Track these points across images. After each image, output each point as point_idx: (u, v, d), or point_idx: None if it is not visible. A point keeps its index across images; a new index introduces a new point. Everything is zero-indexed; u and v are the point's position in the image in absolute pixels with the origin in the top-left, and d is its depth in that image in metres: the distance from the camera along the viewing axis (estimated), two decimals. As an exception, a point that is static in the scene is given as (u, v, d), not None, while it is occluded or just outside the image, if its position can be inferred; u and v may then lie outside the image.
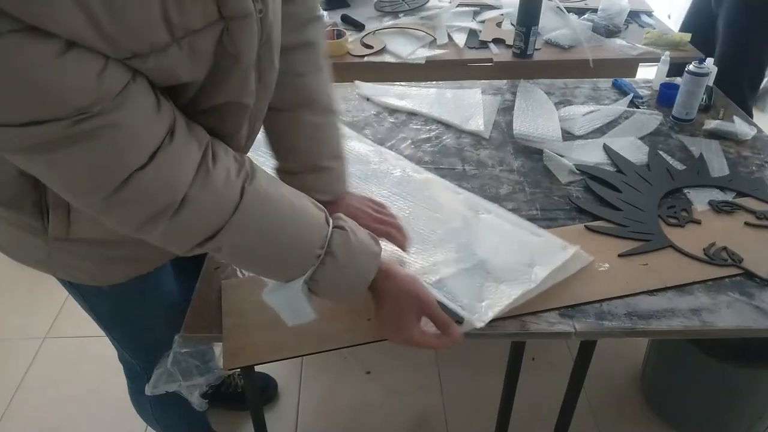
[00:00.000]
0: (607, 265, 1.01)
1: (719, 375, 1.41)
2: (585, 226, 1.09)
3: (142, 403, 1.23)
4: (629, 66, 1.82)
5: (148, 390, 0.94)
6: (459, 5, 2.02)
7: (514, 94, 1.56)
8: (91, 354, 1.78)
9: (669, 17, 3.68)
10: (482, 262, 0.98)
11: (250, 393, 1.04)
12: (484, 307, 0.89)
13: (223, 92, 0.65)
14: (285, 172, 0.89)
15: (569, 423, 1.23)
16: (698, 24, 1.95)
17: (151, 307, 1.00)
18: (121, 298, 0.94)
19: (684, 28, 2.01)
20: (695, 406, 1.52)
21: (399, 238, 0.92)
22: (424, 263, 0.98)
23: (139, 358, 1.10)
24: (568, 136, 1.37)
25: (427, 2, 2.00)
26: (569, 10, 1.95)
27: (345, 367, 1.75)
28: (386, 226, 0.92)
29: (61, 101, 0.49)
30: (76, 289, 0.93)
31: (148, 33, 0.52)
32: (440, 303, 0.85)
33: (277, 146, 0.89)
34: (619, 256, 1.03)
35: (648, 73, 1.81)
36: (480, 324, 0.86)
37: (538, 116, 1.42)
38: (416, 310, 0.79)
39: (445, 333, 0.80)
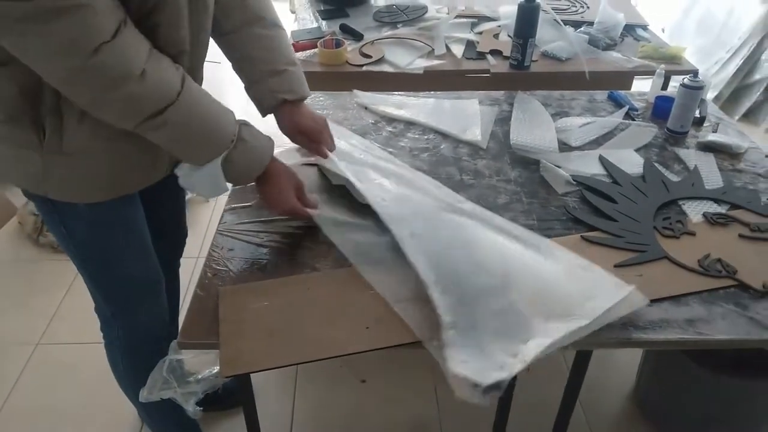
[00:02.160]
0: (603, 275, 1.01)
1: (712, 385, 1.41)
2: (581, 236, 1.10)
3: (115, 363, 1.23)
4: (625, 79, 1.84)
5: (143, 396, 0.93)
6: (457, 16, 2.03)
7: (511, 104, 1.57)
8: (86, 361, 1.77)
9: (663, 31, 3.73)
10: (530, 295, 0.91)
11: (246, 401, 1.03)
12: (528, 347, 0.82)
13: None
14: (250, 84, 1.08)
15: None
16: None
17: (123, 234, 1.06)
18: (98, 221, 1.01)
19: None
20: (689, 417, 1.52)
21: (327, 140, 1.16)
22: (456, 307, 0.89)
23: (110, 300, 1.12)
24: (564, 147, 1.39)
25: (425, 13, 2.02)
26: (566, 22, 1.97)
27: (340, 374, 1.74)
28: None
29: None
30: (57, 212, 0.98)
31: None
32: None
33: (239, 63, 1.08)
34: (615, 266, 1.03)
35: (644, 86, 1.83)
36: (521, 366, 0.80)
37: (536, 127, 1.43)
38: (294, 186, 1.03)
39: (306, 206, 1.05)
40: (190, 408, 0.94)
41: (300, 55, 1.79)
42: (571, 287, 0.94)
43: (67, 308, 1.96)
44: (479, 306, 0.90)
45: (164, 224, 1.24)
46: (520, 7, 1.69)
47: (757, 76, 3.18)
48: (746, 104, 3.18)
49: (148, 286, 1.14)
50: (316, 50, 1.79)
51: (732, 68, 3.19)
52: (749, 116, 3.20)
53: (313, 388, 1.71)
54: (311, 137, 1.14)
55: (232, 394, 1.56)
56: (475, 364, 0.80)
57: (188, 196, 2.27)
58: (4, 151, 0.91)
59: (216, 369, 0.97)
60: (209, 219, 2.31)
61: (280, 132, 1.14)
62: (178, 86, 0.84)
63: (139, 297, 1.13)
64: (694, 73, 1.39)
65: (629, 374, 1.74)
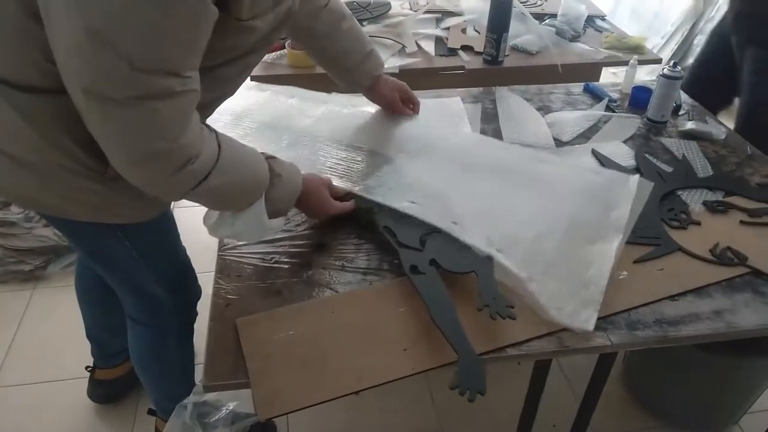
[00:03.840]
0: (625, 272, 1.01)
1: (701, 364, 1.45)
2: (594, 234, 1.09)
3: (164, 349, 1.25)
4: (594, 70, 1.87)
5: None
6: (424, 12, 2.00)
7: (492, 101, 1.55)
8: (49, 402, 1.61)
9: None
10: (567, 227, 1.06)
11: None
12: (592, 274, 0.97)
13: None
14: (346, 72, 1.23)
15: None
16: (712, 68, 1.76)
17: (173, 233, 1.14)
18: (155, 230, 1.05)
19: (696, 70, 1.82)
20: (678, 395, 1.57)
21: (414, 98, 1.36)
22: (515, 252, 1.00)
23: (165, 286, 1.14)
24: (556, 142, 1.38)
25: (388, 10, 1.97)
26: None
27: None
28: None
29: (195, 57, 0.71)
30: (121, 230, 0.99)
31: None
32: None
33: (334, 58, 1.21)
34: (635, 262, 1.04)
35: (608, 76, 1.87)
36: (591, 325, 0.90)
37: (527, 123, 1.42)
38: (327, 191, 1.06)
39: (343, 201, 1.09)
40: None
41: (267, 56, 1.70)
42: (595, 203, 1.11)
43: (20, 345, 1.78)
44: (540, 254, 1.00)
45: None
46: (494, 2, 1.67)
47: (690, 60, 3.35)
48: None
49: (189, 262, 1.21)
50: (284, 51, 1.71)
51: (668, 53, 3.34)
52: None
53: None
54: (405, 99, 1.33)
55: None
56: (568, 308, 0.92)
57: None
58: (69, 181, 0.85)
59: (234, 404, 0.90)
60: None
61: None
62: (217, 148, 0.82)
63: (189, 271, 1.21)
64: (674, 63, 1.42)
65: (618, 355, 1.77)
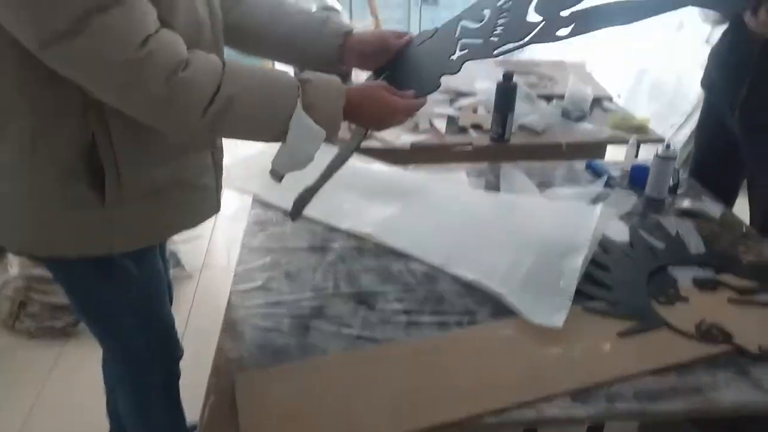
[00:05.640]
0: (608, 345, 1.05)
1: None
2: (583, 308, 1.13)
3: (153, 406, 1.26)
4: (599, 148, 1.95)
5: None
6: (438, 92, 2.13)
7: (496, 176, 1.64)
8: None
9: (619, 96, 3.98)
10: (540, 248, 1.25)
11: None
12: (563, 286, 1.14)
13: None
14: (304, 51, 1.11)
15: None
16: (713, 153, 1.75)
17: (163, 290, 1.18)
18: (151, 263, 1.10)
19: (698, 158, 1.82)
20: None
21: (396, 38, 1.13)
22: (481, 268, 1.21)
23: (155, 339, 1.18)
24: (553, 217, 1.45)
25: (405, 89, 2.11)
26: (537, 96, 2.09)
27: None
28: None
29: None
30: (133, 259, 1.03)
31: None
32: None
33: (280, 41, 1.11)
34: (618, 335, 1.07)
35: (615, 154, 1.94)
36: (561, 323, 1.07)
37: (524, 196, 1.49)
38: (385, 91, 0.97)
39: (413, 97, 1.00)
40: None
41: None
42: (564, 226, 1.32)
43: (47, 401, 1.86)
44: (516, 271, 1.20)
45: None
46: (499, 86, 1.80)
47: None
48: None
49: (173, 322, 1.23)
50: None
51: (687, 131, 3.40)
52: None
53: None
54: (388, 44, 1.11)
55: None
56: (541, 311, 1.10)
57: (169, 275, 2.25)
58: (68, 217, 0.92)
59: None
60: (192, 298, 2.27)
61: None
62: (219, 61, 0.84)
63: (173, 329, 1.22)
64: (667, 145, 1.49)
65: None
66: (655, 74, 3.70)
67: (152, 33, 0.77)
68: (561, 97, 2.13)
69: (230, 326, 1.09)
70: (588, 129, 1.95)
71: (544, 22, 0.96)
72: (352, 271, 1.23)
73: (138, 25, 0.76)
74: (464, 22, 1.07)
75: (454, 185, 1.56)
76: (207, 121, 0.82)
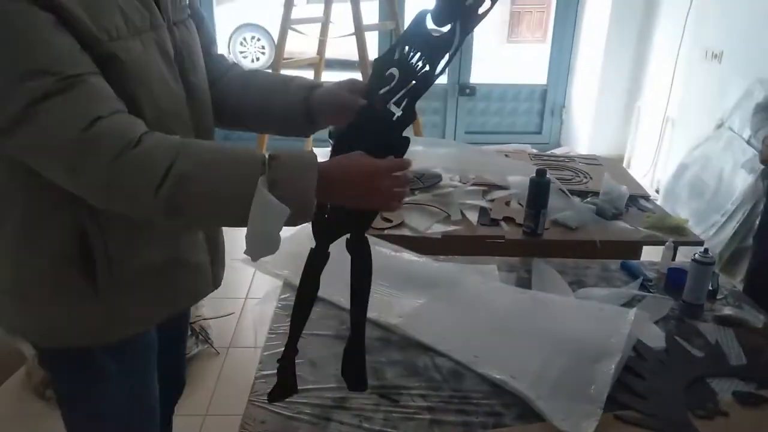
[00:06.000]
0: (642, 460, 1.00)
1: None
2: (614, 415, 1.09)
3: None
4: (634, 248, 1.93)
5: None
6: (472, 184, 2.18)
7: (528, 272, 1.63)
8: None
9: (657, 192, 3.96)
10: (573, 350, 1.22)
11: None
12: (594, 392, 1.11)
13: None
14: (282, 113, 1.08)
15: None
16: None
17: (149, 368, 1.11)
18: (148, 347, 1.08)
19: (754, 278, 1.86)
20: None
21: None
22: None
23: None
24: (585, 318, 1.42)
25: (439, 181, 2.16)
26: (572, 192, 2.10)
27: None
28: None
29: (52, 61, 0.76)
30: (140, 342, 1.02)
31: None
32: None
33: (255, 102, 1.10)
34: (653, 451, 1.02)
35: (651, 253, 1.91)
36: (599, 411, 1.07)
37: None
38: (364, 156, 0.88)
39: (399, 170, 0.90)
40: None
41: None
42: (598, 330, 1.28)
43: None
44: (546, 374, 1.17)
45: (164, 369, 1.21)
46: (532, 181, 1.82)
47: (750, 240, 3.31)
48: (745, 266, 3.27)
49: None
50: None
51: (729, 231, 3.33)
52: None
53: None
54: (341, 99, 1.02)
55: None
56: (570, 418, 1.06)
57: (195, 350, 2.26)
58: (66, 314, 0.93)
59: None
60: (218, 375, 2.27)
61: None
62: (176, 140, 0.82)
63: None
64: (705, 249, 1.47)
65: None
66: (696, 170, 3.69)
67: (103, 115, 0.78)
68: (596, 193, 2.13)
69: (253, 412, 1.08)
70: (623, 228, 1.94)
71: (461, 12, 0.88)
72: (376, 363, 1.22)
73: (85, 109, 0.77)
74: (382, 92, 0.96)
75: (485, 279, 1.55)
76: (161, 202, 0.79)
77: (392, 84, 0.94)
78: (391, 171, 0.89)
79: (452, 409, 1.10)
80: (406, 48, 0.93)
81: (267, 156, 0.83)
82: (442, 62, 0.89)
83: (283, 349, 1.07)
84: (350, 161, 0.88)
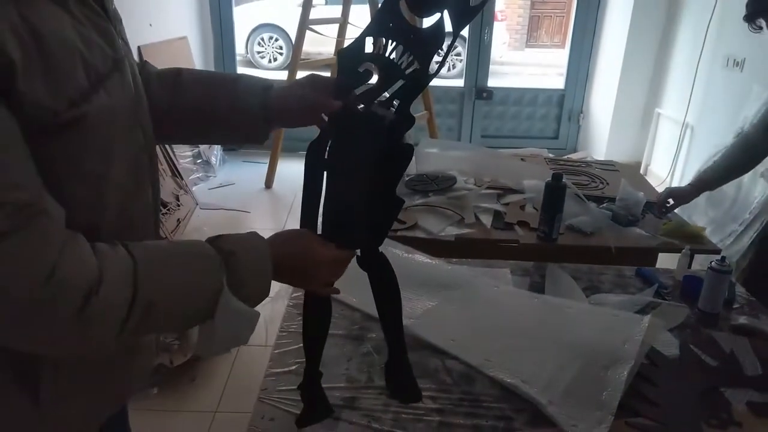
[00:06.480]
0: (653, 469, 0.98)
1: None
2: (626, 422, 1.08)
3: None
4: (649, 255, 1.91)
5: None
6: (487, 188, 2.17)
7: (541, 276, 1.62)
8: None
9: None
10: (586, 357, 1.21)
11: None
12: (606, 398, 1.11)
13: None
14: (225, 117, 0.94)
15: None
16: None
17: None
18: None
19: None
20: None
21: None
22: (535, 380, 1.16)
23: None
24: (598, 324, 1.41)
25: (454, 184, 2.16)
26: (588, 197, 2.09)
27: None
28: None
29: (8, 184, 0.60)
30: None
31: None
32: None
33: (197, 108, 0.94)
34: (664, 459, 1.01)
35: (667, 260, 1.89)
36: (611, 417, 1.07)
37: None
38: (312, 240, 0.88)
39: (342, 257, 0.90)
40: None
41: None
42: (612, 336, 1.27)
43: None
44: (558, 380, 1.16)
45: None
46: (548, 186, 1.81)
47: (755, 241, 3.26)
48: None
49: None
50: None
51: (746, 241, 3.28)
52: None
53: None
54: (320, 85, 0.93)
55: None
56: (581, 424, 1.06)
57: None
58: None
59: None
60: (228, 372, 2.28)
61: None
62: (130, 260, 0.70)
63: None
64: (722, 257, 1.45)
65: None
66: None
67: (56, 258, 0.63)
68: (612, 199, 2.12)
69: (262, 409, 1.09)
70: (639, 234, 1.92)
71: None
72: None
73: (42, 253, 0.62)
74: (360, 92, 0.89)
75: (498, 283, 1.55)
76: (128, 334, 0.69)
77: (372, 83, 0.85)
78: (336, 263, 0.90)
79: (462, 411, 1.10)
80: (383, 41, 0.83)
81: (222, 253, 0.76)
82: (442, 61, 0.83)
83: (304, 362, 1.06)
84: (298, 249, 0.86)
